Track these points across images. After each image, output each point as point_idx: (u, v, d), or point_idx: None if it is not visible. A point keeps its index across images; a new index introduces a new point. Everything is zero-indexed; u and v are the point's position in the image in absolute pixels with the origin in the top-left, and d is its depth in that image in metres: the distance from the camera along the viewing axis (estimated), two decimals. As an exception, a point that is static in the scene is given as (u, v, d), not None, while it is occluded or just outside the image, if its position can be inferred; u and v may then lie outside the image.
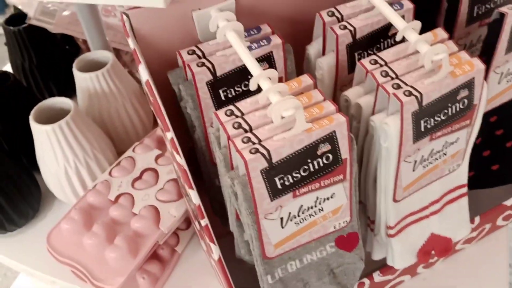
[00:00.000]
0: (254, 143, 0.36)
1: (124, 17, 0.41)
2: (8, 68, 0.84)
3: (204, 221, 0.43)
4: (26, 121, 0.59)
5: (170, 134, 0.41)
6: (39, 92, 0.77)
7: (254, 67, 0.38)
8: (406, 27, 0.40)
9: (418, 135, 0.41)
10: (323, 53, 0.46)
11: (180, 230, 0.62)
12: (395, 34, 0.45)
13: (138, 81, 0.75)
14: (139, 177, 0.61)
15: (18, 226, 0.65)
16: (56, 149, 0.59)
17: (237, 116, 0.38)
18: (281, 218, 0.40)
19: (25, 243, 0.65)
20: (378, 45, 0.46)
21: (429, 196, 0.48)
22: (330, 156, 0.38)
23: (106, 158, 0.64)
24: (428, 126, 0.41)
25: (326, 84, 0.46)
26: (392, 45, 0.46)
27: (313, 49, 0.46)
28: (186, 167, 0.42)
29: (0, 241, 0.65)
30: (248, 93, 0.44)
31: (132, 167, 0.62)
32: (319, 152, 0.38)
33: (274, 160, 0.36)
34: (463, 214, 0.51)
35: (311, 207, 0.41)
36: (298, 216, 0.40)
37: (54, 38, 0.77)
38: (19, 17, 0.74)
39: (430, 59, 0.39)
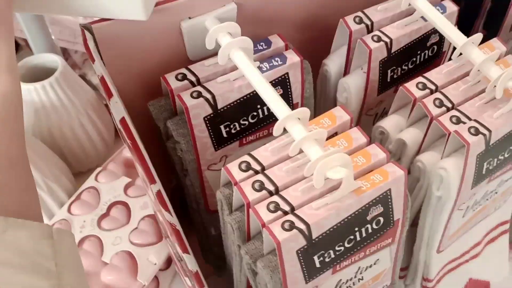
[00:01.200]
0: (285, 213, 0.26)
1: (86, 33, 0.30)
2: None
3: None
4: None
5: (156, 187, 0.30)
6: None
7: (279, 106, 0.27)
8: (466, 43, 0.31)
9: (478, 179, 0.32)
10: (346, 69, 0.36)
11: (160, 271, 0.52)
12: (433, 44, 0.35)
13: (94, 87, 0.62)
14: (107, 214, 0.50)
15: None
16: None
17: (256, 172, 0.28)
18: (311, 297, 0.30)
19: None
20: (414, 59, 0.36)
21: (471, 239, 0.40)
22: (381, 219, 0.29)
23: (62, 187, 0.53)
24: (490, 168, 0.32)
25: (352, 109, 0.36)
26: (429, 57, 0.37)
27: (333, 64, 0.36)
28: (180, 228, 0.31)
29: None
30: (255, 126, 0.34)
31: (97, 201, 0.51)
32: (369, 217, 0.28)
33: (314, 236, 0.26)
34: (503, 254, 0.43)
35: (350, 279, 0.31)
36: (334, 291, 0.31)
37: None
38: None
39: (505, 87, 0.30)
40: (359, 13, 0.35)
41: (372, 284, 0.33)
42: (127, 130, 0.30)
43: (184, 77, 0.31)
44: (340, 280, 0.31)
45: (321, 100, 0.38)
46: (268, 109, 0.33)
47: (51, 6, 0.28)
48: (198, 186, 0.35)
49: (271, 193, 0.27)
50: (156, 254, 0.47)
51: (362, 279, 0.32)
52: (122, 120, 0.30)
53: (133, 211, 0.50)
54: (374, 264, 0.32)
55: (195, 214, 0.38)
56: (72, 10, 0.28)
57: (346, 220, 0.27)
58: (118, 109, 0.30)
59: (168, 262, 0.53)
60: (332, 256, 0.28)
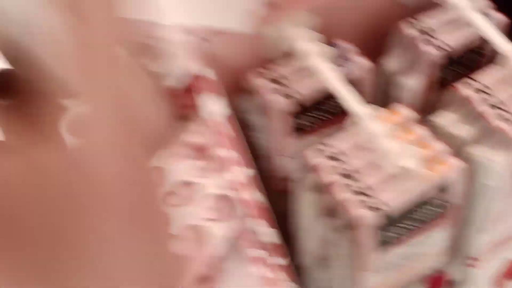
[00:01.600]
0: (363, 194, 0.31)
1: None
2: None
3: (284, 261, 0.38)
4: None
5: (251, 172, 0.35)
6: None
7: (354, 103, 0.32)
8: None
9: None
10: (403, 71, 0.41)
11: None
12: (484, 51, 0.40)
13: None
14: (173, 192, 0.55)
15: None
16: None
17: (334, 159, 0.33)
18: (379, 268, 0.35)
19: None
20: (471, 65, 0.40)
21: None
22: (443, 203, 0.33)
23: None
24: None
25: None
26: (480, 61, 0.41)
27: (391, 64, 0.41)
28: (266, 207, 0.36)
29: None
30: (326, 120, 0.38)
31: (163, 180, 0.56)
32: (433, 201, 0.33)
33: (388, 214, 0.31)
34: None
35: (413, 253, 0.36)
36: (396, 264, 0.36)
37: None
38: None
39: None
40: (414, 20, 0.39)
41: (427, 261, 0.38)
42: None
43: (268, 75, 0.36)
44: (404, 253, 0.36)
45: (377, 97, 0.43)
46: (340, 105, 0.38)
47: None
48: (269, 167, 0.40)
49: (347, 177, 0.32)
50: (223, 230, 0.52)
51: (418, 255, 0.37)
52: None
53: (199, 191, 0.55)
54: (435, 241, 0.36)
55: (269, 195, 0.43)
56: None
57: (415, 202, 0.32)
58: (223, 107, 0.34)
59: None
60: (401, 232, 0.33)
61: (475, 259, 0.43)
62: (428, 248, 0.37)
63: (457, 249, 0.44)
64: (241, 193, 0.39)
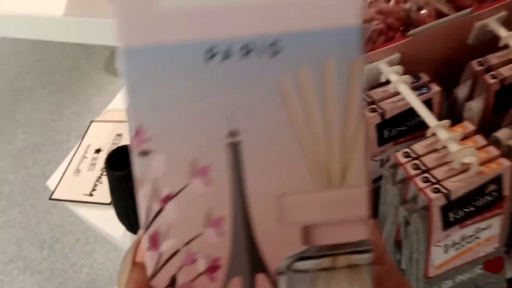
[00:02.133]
0: (433, 183, 0.43)
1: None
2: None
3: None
4: None
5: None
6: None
7: (430, 118, 0.44)
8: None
9: None
10: (470, 97, 0.52)
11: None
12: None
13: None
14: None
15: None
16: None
17: (413, 158, 0.45)
18: (446, 245, 0.46)
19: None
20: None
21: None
22: (495, 194, 0.44)
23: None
24: None
25: (473, 125, 0.52)
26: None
27: (461, 92, 0.52)
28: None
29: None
30: (405, 132, 0.51)
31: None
32: (486, 191, 0.44)
33: (451, 198, 0.43)
34: None
35: (471, 236, 0.47)
36: (459, 243, 0.47)
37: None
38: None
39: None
40: (481, 59, 0.51)
41: (485, 244, 0.49)
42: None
43: (365, 98, 0.49)
44: (464, 234, 0.46)
45: (451, 117, 0.55)
46: (415, 121, 0.50)
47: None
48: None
49: (423, 171, 0.44)
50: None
51: (478, 238, 0.48)
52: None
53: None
54: (488, 228, 0.47)
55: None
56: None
57: (472, 190, 0.43)
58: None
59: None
60: (461, 215, 0.44)
61: (530, 251, 0.53)
62: (484, 233, 0.47)
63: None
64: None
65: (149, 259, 0.19)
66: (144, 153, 0.18)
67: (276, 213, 0.18)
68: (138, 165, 0.18)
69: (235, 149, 0.18)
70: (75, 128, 1.85)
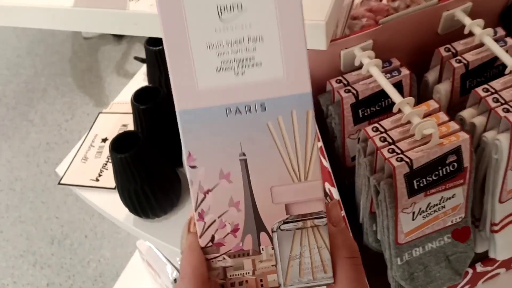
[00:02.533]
0: (398, 153, 0.48)
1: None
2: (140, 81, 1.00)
3: (341, 213, 0.55)
4: (171, 126, 0.73)
5: (319, 143, 0.53)
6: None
7: (396, 96, 0.49)
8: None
9: (523, 149, 0.51)
10: (439, 81, 0.57)
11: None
12: (499, 65, 0.55)
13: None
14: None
15: (166, 212, 0.79)
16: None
17: (381, 132, 0.50)
18: (413, 212, 0.51)
19: (171, 226, 0.79)
20: (486, 74, 0.56)
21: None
22: (456, 164, 0.49)
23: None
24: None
25: (442, 106, 0.56)
26: (495, 74, 0.56)
27: (430, 76, 0.57)
28: (330, 169, 0.54)
29: (152, 225, 0.80)
30: (379, 112, 0.56)
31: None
32: (447, 162, 0.49)
33: (414, 167, 0.47)
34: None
35: (436, 205, 0.52)
36: (426, 211, 0.51)
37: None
38: (158, 38, 0.88)
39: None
40: (448, 45, 0.56)
41: (451, 213, 0.53)
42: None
43: (340, 81, 0.54)
44: (430, 203, 0.51)
45: (421, 100, 0.59)
46: (388, 102, 0.55)
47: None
48: (341, 147, 0.58)
49: (389, 143, 0.49)
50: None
51: (444, 207, 0.52)
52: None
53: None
54: (452, 197, 0.52)
55: (335, 169, 0.61)
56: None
57: (433, 160, 0.48)
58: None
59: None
60: (425, 183, 0.49)
61: (496, 224, 0.57)
62: (450, 202, 0.52)
63: (483, 217, 0.58)
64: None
65: (198, 226, 0.32)
66: (193, 167, 0.31)
67: (269, 197, 0.31)
68: (189, 173, 0.31)
69: (244, 163, 0.31)
70: (86, 127, 1.91)
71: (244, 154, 0.30)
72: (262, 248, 0.32)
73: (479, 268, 0.63)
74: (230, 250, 0.32)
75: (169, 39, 0.29)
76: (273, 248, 0.31)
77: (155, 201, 0.77)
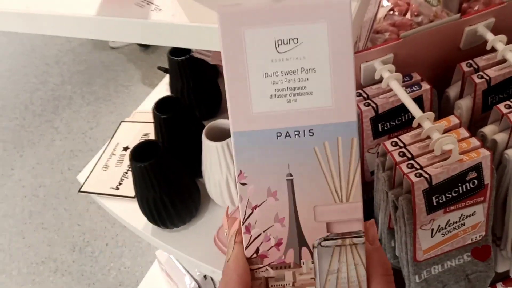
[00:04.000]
0: (417, 169, 0.47)
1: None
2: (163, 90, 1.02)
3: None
4: (191, 136, 0.73)
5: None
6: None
7: (415, 110, 0.49)
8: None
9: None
10: (460, 96, 0.56)
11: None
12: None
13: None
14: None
15: (184, 223, 0.80)
16: (221, 161, 0.72)
17: (400, 147, 0.49)
18: (432, 229, 0.50)
19: (189, 237, 0.79)
20: (508, 91, 0.55)
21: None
22: (476, 181, 0.48)
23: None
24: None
25: (463, 122, 0.56)
26: (520, 90, 0.56)
27: (452, 92, 0.57)
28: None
29: (170, 235, 0.80)
30: (399, 126, 0.55)
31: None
32: (467, 178, 0.48)
33: (433, 183, 0.47)
34: None
35: (456, 222, 0.51)
36: (445, 228, 0.51)
37: (210, 68, 0.92)
38: (181, 48, 0.89)
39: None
40: (470, 61, 0.55)
41: (471, 231, 0.52)
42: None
43: (360, 94, 0.54)
44: (449, 220, 0.50)
45: (442, 115, 0.59)
46: (407, 116, 0.54)
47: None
48: (362, 164, 0.57)
49: (408, 158, 0.48)
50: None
51: (464, 224, 0.51)
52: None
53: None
54: (472, 215, 0.51)
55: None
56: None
57: (453, 177, 0.47)
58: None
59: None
60: (444, 199, 0.48)
61: (517, 242, 0.56)
62: (470, 220, 0.51)
63: (505, 236, 0.57)
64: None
65: (244, 239, 0.34)
66: (243, 184, 0.33)
67: (312, 215, 0.33)
68: (240, 190, 0.33)
69: (290, 183, 0.32)
70: (110, 136, 1.95)
71: (291, 175, 0.32)
72: (303, 262, 0.34)
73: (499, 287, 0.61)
74: (273, 262, 0.34)
75: (229, 66, 0.31)
76: (313, 262, 0.34)
77: (173, 211, 0.77)
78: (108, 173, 0.94)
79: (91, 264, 1.76)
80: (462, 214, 0.50)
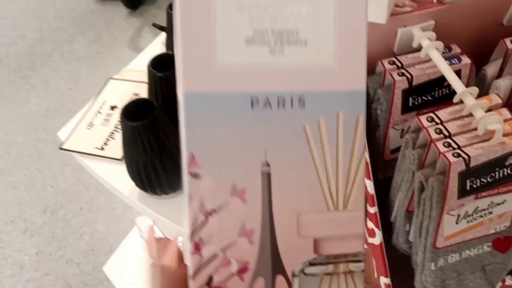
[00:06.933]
0: (454, 148, 0.43)
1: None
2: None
3: (374, 209, 0.50)
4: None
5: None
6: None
7: (458, 84, 0.44)
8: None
9: None
10: (499, 75, 0.52)
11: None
12: None
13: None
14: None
15: (174, 190, 0.75)
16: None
17: (437, 123, 0.45)
18: (458, 215, 0.46)
19: (178, 205, 0.74)
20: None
21: None
22: (516, 168, 0.44)
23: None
24: None
25: (500, 102, 0.51)
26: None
27: (490, 70, 0.52)
28: (368, 161, 0.49)
29: (158, 201, 0.76)
30: (430, 103, 0.50)
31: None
32: (506, 163, 0.44)
33: (471, 165, 0.42)
34: None
35: (484, 209, 0.47)
36: (471, 215, 0.47)
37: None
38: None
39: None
40: (513, 38, 0.51)
41: (497, 220, 0.48)
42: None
43: (394, 62, 0.49)
44: (478, 207, 0.46)
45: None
46: (442, 92, 0.50)
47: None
48: (382, 137, 0.53)
49: (445, 136, 0.44)
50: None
51: (491, 213, 0.47)
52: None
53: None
54: (501, 203, 0.47)
55: (372, 161, 0.56)
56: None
57: (492, 160, 0.43)
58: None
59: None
60: (478, 184, 0.44)
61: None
62: (498, 209, 0.47)
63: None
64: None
65: (191, 261, 0.23)
66: (195, 175, 0.22)
67: (295, 228, 0.23)
68: (189, 184, 0.22)
69: (267, 177, 0.22)
70: (89, 98, 1.87)
71: (267, 165, 0.22)
72: None
73: (509, 281, 0.58)
74: None
75: None
76: None
77: (164, 176, 0.72)
78: (93, 132, 0.87)
79: (63, 227, 1.69)
80: (492, 202, 0.46)
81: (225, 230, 0.22)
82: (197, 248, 0.22)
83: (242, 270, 0.23)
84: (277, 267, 0.23)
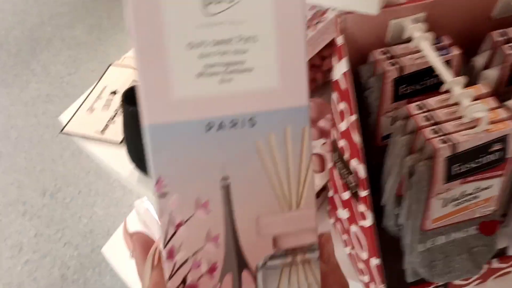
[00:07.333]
0: (441, 135, 0.45)
1: (339, 19, 0.50)
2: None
3: (365, 193, 0.53)
4: None
5: (354, 117, 0.50)
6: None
7: (447, 74, 0.46)
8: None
9: None
10: (487, 66, 0.54)
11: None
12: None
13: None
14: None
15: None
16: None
17: (425, 111, 0.47)
18: (445, 199, 0.48)
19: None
20: (535, 65, 0.53)
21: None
22: (499, 153, 0.46)
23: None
24: None
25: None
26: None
27: (478, 61, 0.54)
28: (362, 145, 0.51)
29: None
30: (420, 92, 0.52)
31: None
32: (491, 150, 0.46)
33: (457, 151, 0.45)
34: None
35: (470, 194, 0.49)
36: (458, 199, 0.49)
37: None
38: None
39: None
40: (501, 31, 0.53)
41: (483, 204, 0.51)
42: (347, 79, 0.50)
43: (385, 53, 0.51)
44: (464, 191, 0.48)
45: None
46: (431, 82, 0.52)
47: None
48: (374, 125, 0.55)
49: (433, 124, 0.46)
50: (319, 179, 0.67)
51: (477, 197, 0.50)
52: (345, 73, 0.50)
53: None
54: (487, 188, 0.49)
55: (365, 146, 0.58)
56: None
57: (477, 146, 0.45)
58: (343, 66, 0.50)
59: (317, 194, 0.73)
60: (464, 170, 0.46)
61: (524, 221, 0.55)
62: (484, 193, 0.49)
63: (510, 214, 0.56)
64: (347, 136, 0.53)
65: (166, 267, 0.26)
66: (163, 195, 0.25)
67: (255, 229, 0.27)
68: (158, 203, 0.25)
69: (226, 189, 0.26)
70: (89, 83, 1.90)
71: (227, 178, 0.26)
72: None
73: (495, 264, 0.61)
74: None
75: (140, 33, 0.24)
76: None
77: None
78: (94, 116, 0.89)
79: (62, 210, 1.72)
80: (478, 186, 0.48)
81: (193, 237, 0.26)
82: (170, 255, 0.26)
83: (211, 270, 0.27)
84: (242, 263, 0.27)
